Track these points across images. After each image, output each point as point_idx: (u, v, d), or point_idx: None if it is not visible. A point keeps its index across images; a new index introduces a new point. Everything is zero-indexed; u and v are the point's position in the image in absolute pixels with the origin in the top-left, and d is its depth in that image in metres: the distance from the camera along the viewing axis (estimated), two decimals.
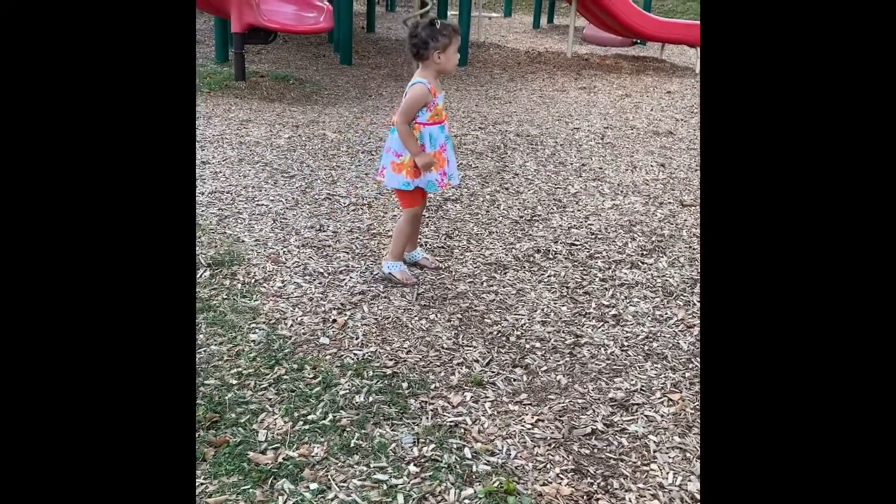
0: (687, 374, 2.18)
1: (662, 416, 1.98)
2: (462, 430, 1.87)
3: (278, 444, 1.77)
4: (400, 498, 1.61)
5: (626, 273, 2.90)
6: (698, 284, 2.82)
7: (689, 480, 1.72)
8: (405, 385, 2.05)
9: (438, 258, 2.94)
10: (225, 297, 2.52)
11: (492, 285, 2.75)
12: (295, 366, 2.12)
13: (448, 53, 2.44)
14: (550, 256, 3.03)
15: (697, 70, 8.54)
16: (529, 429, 1.90)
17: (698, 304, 2.65)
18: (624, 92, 7.05)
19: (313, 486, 1.64)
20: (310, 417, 1.89)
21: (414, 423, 1.88)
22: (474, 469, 1.72)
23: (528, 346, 2.32)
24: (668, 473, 1.75)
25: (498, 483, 1.67)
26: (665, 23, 8.76)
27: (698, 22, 9.01)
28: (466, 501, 1.62)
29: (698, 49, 8.62)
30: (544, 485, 1.69)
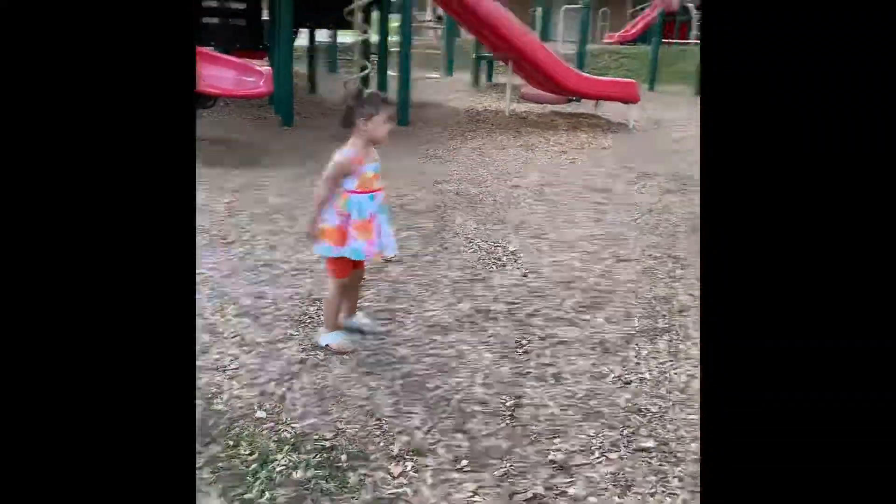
0: (625, 433, 2.21)
1: (601, 476, 1.99)
2: (403, 503, 1.85)
3: None
4: None
5: (564, 330, 2.95)
6: (635, 339, 2.88)
7: None
8: (344, 458, 2.02)
9: (380, 321, 2.94)
10: None
11: (434, 348, 2.75)
12: (230, 443, 2.07)
13: (375, 122, 2.49)
14: (491, 316, 3.07)
15: (631, 125, 8.88)
16: (471, 496, 1.89)
17: (634, 360, 2.70)
18: (560, 149, 7.27)
19: None
20: (246, 496, 1.84)
21: (353, 498, 1.85)
22: None
23: (469, 410, 2.32)
24: None
25: None
26: (597, 80, 9.13)
27: (629, 80, 9.42)
28: None
29: (630, 105, 8.99)
30: None
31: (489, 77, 14.03)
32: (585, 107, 10.17)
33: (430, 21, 16.42)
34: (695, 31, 18.09)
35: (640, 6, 20.99)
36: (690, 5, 18.80)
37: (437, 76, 14.44)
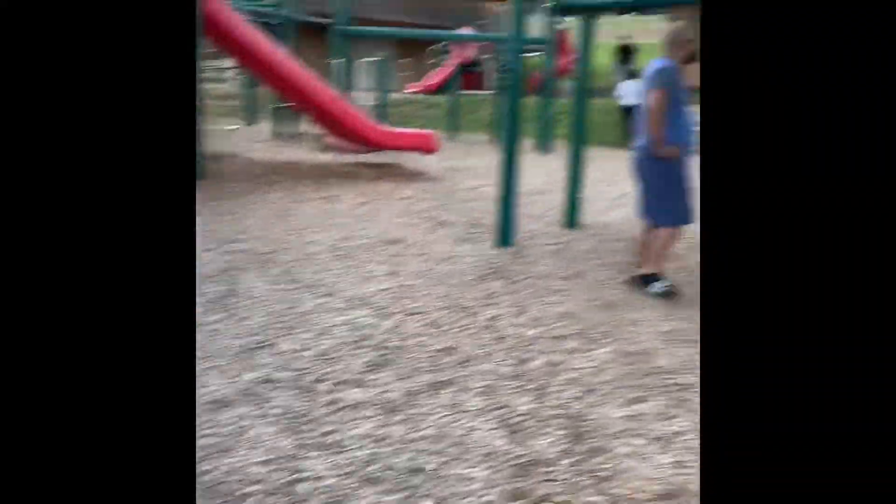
0: (401, 496, 2.24)
1: None
2: None
3: None
4: None
5: (351, 393, 2.95)
6: (419, 395, 2.95)
7: None
8: None
9: None
10: None
11: (210, 427, 2.62)
12: None
13: None
14: (276, 385, 2.99)
15: (431, 174, 9.24)
16: None
17: (419, 418, 2.76)
18: (362, 200, 7.37)
19: None
20: None
21: None
22: None
23: (243, 491, 2.23)
24: None
25: None
26: (395, 133, 9.42)
27: (427, 131, 9.82)
28: None
29: (428, 156, 9.37)
30: None
31: (292, 127, 13.94)
32: (389, 156, 10.42)
33: (231, 69, 16.04)
34: (488, 83, 19.33)
35: (439, 58, 22.09)
36: (484, 58, 20.13)
37: (237, 126, 14.12)
